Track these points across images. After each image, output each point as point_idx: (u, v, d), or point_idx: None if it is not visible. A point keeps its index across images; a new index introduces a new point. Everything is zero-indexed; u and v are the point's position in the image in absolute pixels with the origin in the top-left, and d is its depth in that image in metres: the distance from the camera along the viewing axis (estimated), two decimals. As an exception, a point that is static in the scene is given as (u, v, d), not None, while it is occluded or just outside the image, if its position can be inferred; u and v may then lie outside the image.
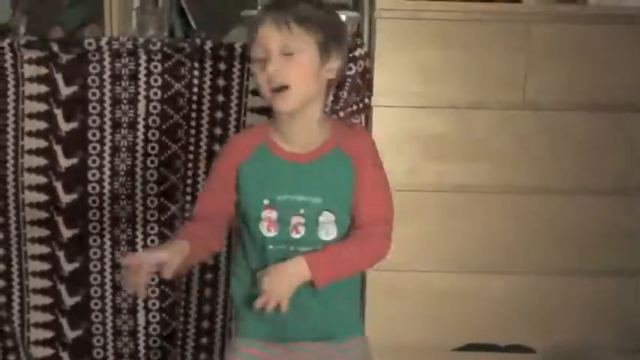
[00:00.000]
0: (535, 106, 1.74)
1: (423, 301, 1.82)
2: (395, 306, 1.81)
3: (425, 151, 1.77)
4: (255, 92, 1.78)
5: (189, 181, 1.83)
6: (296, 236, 1.23)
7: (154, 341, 1.91)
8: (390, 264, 1.79)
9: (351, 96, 1.76)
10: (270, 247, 1.24)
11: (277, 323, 1.26)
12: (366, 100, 1.77)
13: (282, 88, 1.17)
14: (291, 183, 1.24)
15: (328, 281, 1.21)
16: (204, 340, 1.91)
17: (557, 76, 1.73)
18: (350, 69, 1.73)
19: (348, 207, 1.25)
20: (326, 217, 1.23)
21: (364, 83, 1.76)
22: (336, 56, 1.23)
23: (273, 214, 1.23)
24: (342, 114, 1.76)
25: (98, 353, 1.91)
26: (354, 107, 1.78)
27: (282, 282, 1.19)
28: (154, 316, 1.90)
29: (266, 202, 1.23)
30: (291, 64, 1.17)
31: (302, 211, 1.23)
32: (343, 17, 1.81)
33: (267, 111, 1.78)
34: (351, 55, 1.72)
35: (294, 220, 1.23)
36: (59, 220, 1.85)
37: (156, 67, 1.79)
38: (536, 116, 1.75)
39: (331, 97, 1.75)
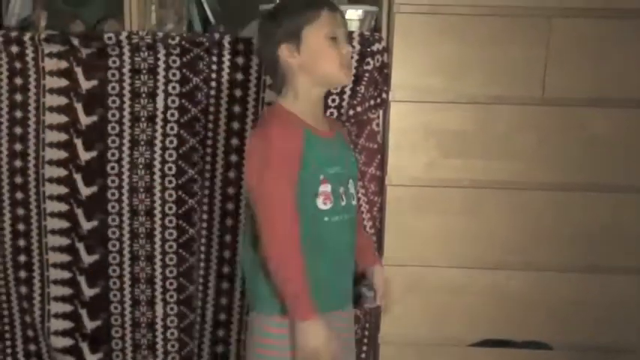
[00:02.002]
0: (555, 102, 1.72)
1: (439, 297, 1.82)
2: (412, 301, 1.81)
3: (443, 146, 1.76)
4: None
5: (207, 175, 1.84)
6: (342, 204, 1.36)
7: (172, 333, 1.93)
8: (407, 259, 1.81)
9: (368, 90, 1.76)
10: (326, 219, 1.34)
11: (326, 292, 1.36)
12: (384, 95, 1.77)
13: (350, 66, 1.41)
14: (335, 157, 1.37)
15: None
16: (220, 333, 1.93)
17: (578, 71, 1.71)
18: (368, 63, 1.73)
19: (356, 176, 1.46)
20: (352, 185, 1.40)
21: (382, 78, 1.76)
22: None
23: (327, 188, 1.34)
24: (359, 109, 1.76)
25: (117, 344, 1.94)
26: (372, 102, 1.78)
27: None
28: (171, 309, 1.92)
29: (322, 176, 1.33)
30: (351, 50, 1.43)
31: (343, 180, 1.38)
32: (361, 12, 1.82)
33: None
34: (369, 49, 1.72)
35: (340, 189, 1.36)
36: (79, 212, 1.87)
37: (174, 61, 1.80)
38: (556, 112, 1.73)
39: (349, 92, 1.75)
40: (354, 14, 1.83)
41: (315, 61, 1.33)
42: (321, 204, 1.33)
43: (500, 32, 1.70)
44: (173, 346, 1.94)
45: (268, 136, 1.29)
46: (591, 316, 1.83)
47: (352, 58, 1.65)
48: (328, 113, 1.76)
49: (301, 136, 1.31)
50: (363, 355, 1.91)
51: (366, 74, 1.74)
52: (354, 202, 1.41)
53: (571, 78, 1.71)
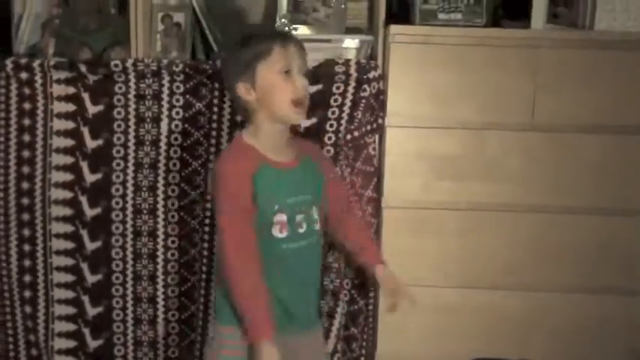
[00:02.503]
0: (544, 127, 1.79)
1: (436, 316, 1.87)
2: (407, 320, 1.86)
3: (436, 170, 1.82)
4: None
5: (208, 197, 1.90)
6: (300, 231, 1.39)
7: (173, 352, 1.97)
8: (403, 279, 1.86)
9: (365, 116, 1.82)
10: (284, 246, 1.38)
11: (287, 314, 1.40)
12: (380, 121, 1.83)
13: (303, 103, 1.37)
14: (293, 187, 1.40)
15: None
16: (221, 351, 1.97)
17: (565, 98, 1.78)
18: (364, 90, 1.80)
19: (320, 201, 1.47)
20: (314, 210, 1.43)
21: (378, 104, 1.82)
22: None
23: (283, 217, 1.37)
24: (356, 133, 1.83)
25: (119, 363, 1.98)
26: (368, 127, 1.84)
27: None
28: (173, 328, 1.96)
29: (277, 207, 1.37)
30: (307, 84, 1.38)
31: (303, 208, 1.40)
32: (358, 41, 1.89)
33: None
34: (365, 77, 1.79)
35: (298, 218, 1.39)
36: (84, 233, 1.92)
37: (178, 87, 1.87)
38: (545, 137, 1.80)
39: (346, 117, 1.82)
40: (351, 43, 1.91)
41: (269, 98, 1.35)
42: (277, 232, 1.36)
43: (491, 61, 1.77)
44: (174, 364, 1.98)
45: (220, 169, 1.36)
46: (583, 336, 1.88)
47: (307, 92, 1.49)
48: (326, 138, 1.83)
49: (253, 168, 1.35)
50: (360, 374, 1.96)
51: (363, 100, 1.80)
52: (316, 227, 1.44)
53: (559, 104, 1.79)
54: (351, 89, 1.81)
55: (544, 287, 1.87)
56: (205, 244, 1.91)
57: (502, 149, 1.81)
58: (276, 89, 1.35)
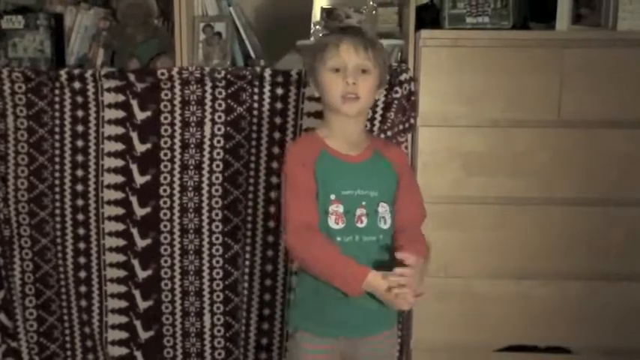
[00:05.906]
0: (569, 124, 1.87)
1: (466, 305, 1.96)
2: (441, 309, 1.95)
3: (467, 166, 1.91)
4: (310, 113, 1.95)
5: (250, 196, 2.01)
6: (360, 226, 1.42)
7: (219, 342, 2.09)
8: (436, 271, 1.95)
9: (397, 117, 1.92)
10: (338, 238, 1.41)
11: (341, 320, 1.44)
12: (412, 120, 1.92)
13: (355, 98, 1.42)
14: (355, 180, 1.44)
15: None
16: (264, 341, 2.08)
17: (590, 96, 1.86)
18: (396, 92, 1.89)
19: (393, 201, 1.48)
20: (383, 208, 1.45)
21: (409, 105, 1.91)
22: (384, 82, 1.53)
23: (339, 208, 1.41)
24: (389, 133, 1.92)
25: (168, 353, 2.10)
26: (400, 127, 1.93)
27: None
28: (218, 319, 2.07)
29: (332, 197, 1.41)
30: (365, 81, 1.43)
31: (364, 203, 1.42)
32: (388, 44, 1.98)
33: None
34: (397, 79, 1.88)
35: (358, 211, 1.42)
36: (134, 231, 2.04)
37: (220, 93, 1.98)
38: (571, 133, 1.88)
39: (379, 118, 1.92)
40: (382, 47, 2.00)
41: (323, 94, 1.46)
42: (333, 223, 1.40)
43: (518, 62, 1.85)
44: (220, 354, 2.09)
45: (287, 153, 1.47)
46: (611, 321, 1.95)
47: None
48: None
49: (316, 155, 1.43)
50: (396, 361, 2.05)
51: (395, 102, 1.89)
52: (381, 225, 1.44)
53: (584, 102, 1.86)
54: (382, 91, 1.88)
55: (572, 275, 1.94)
56: (248, 240, 2.02)
57: (529, 145, 1.89)
58: (326, 87, 1.44)
